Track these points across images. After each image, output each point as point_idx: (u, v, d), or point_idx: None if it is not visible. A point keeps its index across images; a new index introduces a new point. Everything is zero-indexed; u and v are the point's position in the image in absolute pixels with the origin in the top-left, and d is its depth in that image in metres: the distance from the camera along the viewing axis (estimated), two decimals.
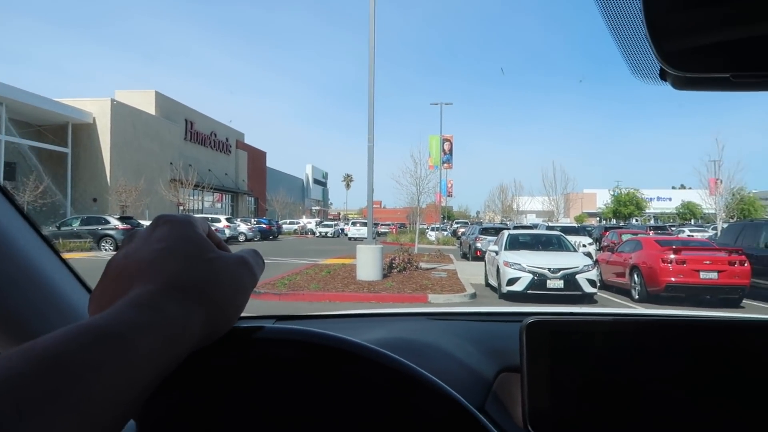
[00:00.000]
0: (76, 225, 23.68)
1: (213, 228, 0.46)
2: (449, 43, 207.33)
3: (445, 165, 44.40)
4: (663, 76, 0.63)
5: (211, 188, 45.89)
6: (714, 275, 11.11)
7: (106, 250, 22.28)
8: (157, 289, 0.41)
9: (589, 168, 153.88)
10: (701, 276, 11.13)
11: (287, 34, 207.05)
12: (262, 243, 35.64)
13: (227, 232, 33.09)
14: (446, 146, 43.92)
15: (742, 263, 11.18)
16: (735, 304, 11.17)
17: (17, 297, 0.84)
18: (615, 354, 0.81)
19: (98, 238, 22.58)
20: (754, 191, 59.37)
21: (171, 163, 41.82)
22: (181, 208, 40.50)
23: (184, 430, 0.46)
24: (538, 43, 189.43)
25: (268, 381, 0.47)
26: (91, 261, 17.93)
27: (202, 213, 42.43)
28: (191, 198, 45.46)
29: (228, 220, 35.93)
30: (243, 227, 37.25)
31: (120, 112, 36.99)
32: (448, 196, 56.21)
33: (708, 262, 11.28)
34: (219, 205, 53.20)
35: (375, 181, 14.58)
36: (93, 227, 23.03)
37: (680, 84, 0.64)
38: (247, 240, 36.40)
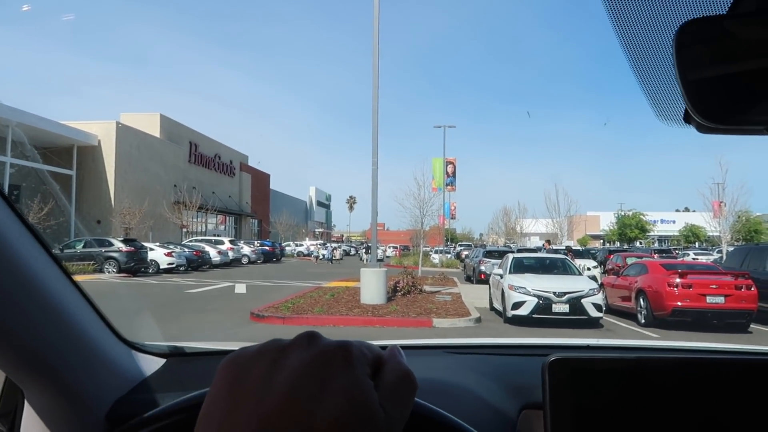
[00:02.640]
0: (79, 247, 23.73)
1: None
2: (453, 64, 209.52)
3: (449, 187, 44.50)
4: (687, 119, 0.64)
5: (215, 210, 46.02)
6: (721, 299, 11.03)
7: (109, 272, 22.28)
8: None
9: (592, 190, 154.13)
10: (708, 300, 11.05)
11: (291, 57, 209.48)
12: (265, 265, 35.63)
13: (230, 254, 33.11)
14: (449, 169, 44.08)
15: (748, 287, 11.10)
16: (742, 329, 11.07)
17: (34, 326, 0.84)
18: (639, 392, 0.79)
19: (102, 261, 22.59)
20: (758, 214, 59.28)
21: (175, 186, 42.02)
22: (184, 230, 40.58)
23: None
24: (543, 68, 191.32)
25: None
26: (95, 284, 17.92)
27: (205, 235, 42.49)
28: (195, 220, 45.56)
29: (231, 242, 35.97)
30: (246, 249, 37.27)
31: (125, 134, 37.29)
32: (452, 218, 56.27)
33: (714, 286, 11.21)
34: (222, 228, 53.28)
35: (378, 203, 14.60)
36: (97, 249, 23.05)
37: (705, 129, 0.65)
38: (250, 262, 36.40)
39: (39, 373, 0.86)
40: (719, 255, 31.74)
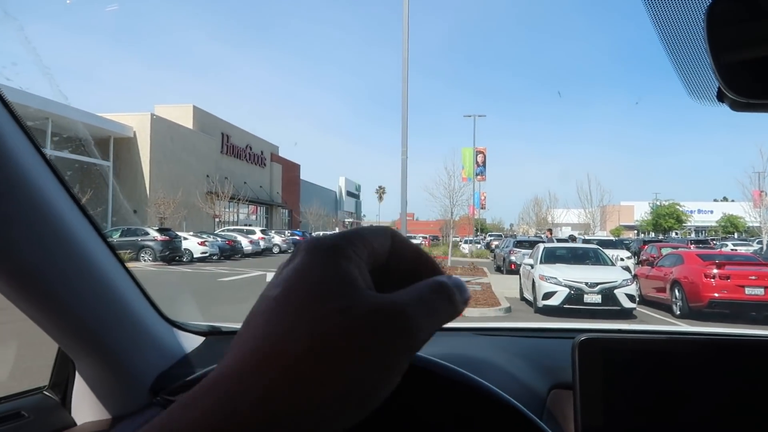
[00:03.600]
0: (116, 236, 24.30)
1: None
2: (483, 54, 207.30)
3: (479, 177, 44.22)
4: (720, 97, 0.64)
5: (247, 200, 46.59)
6: (760, 291, 10.77)
7: (145, 260, 22.81)
8: (230, 371, 0.27)
9: (626, 180, 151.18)
10: (746, 292, 10.80)
11: (321, 48, 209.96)
12: None
13: (262, 243, 33.52)
14: (479, 158, 43.77)
15: None
16: None
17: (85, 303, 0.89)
18: (668, 373, 0.79)
19: (138, 249, 23.12)
20: None
21: (207, 176, 42.64)
22: (217, 220, 41.23)
23: None
24: (578, 55, 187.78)
25: None
26: (133, 272, 18.38)
27: (237, 225, 43.09)
28: (227, 210, 46.22)
29: (263, 232, 36.40)
30: (277, 239, 37.68)
31: (159, 126, 37.98)
32: (482, 208, 55.93)
33: (754, 277, 10.95)
34: (254, 217, 53.92)
35: (408, 193, 14.61)
36: (133, 239, 23.57)
37: (738, 107, 0.65)
38: (281, 251, 36.81)
39: (90, 346, 0.92)
40: (759, 246, 30.89)
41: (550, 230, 24.74)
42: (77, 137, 32.23)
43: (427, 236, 57.61)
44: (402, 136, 14.25)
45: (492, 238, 48.15)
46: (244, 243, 31.19)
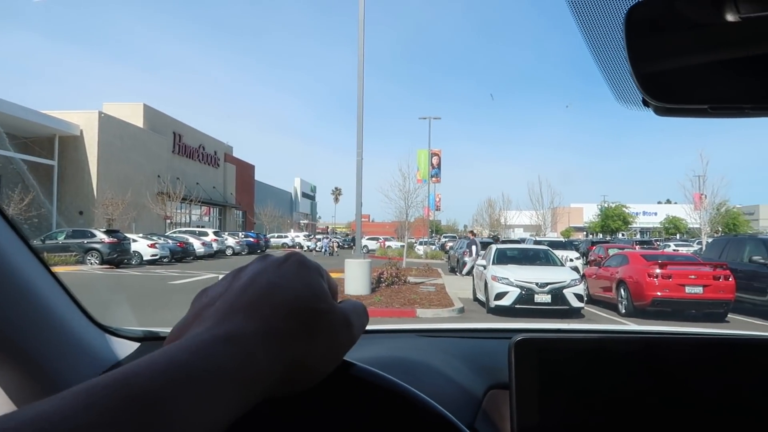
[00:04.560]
0: (61, 238, 23.44)
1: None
2: (439, 58, 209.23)
3: (434, 179, 44.57)
4: (646, 103, 0.65)
5: (199, 201, 45.67)
6: (699, 290, 11.22)
7: (91, 263, 22.07)
8: (252, 331, 0.37)
9: (576, 182, 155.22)
10: (687, 290, 11.24)
11: (277, 48, 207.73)
12: (249, 257, 35.46)
13: (215, 245, 32.93)
14: (434, 160, 44.13)
15: (726, 278, 11.30)
16: (720, 319, 11.27)
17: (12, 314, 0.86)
18: (602, 372, 0.81)
19: (84, 252, 22.36)
20: (738, 206, 60.14)
21: (158, 176, 41.62)
22: (168, 221, 40.27)
23: None
24: (528, 62, 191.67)
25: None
26: (77, 275, 17.75)
27: (189, 226, 42.17)
28: (179, 211, 45.19)
29: (216, 233, 35.78)
30: (231, 241, 37.10)
31: (107, 124, 36.82)
32: (437, 210, 56.35)
33: (693, 276, 11.40)
34: (207, 219, 52.90)
35: (363, 194, 14.61)
36: (79, 240, 22.79)
37: (662, 112, 0.66)
38: (234, 253, 36.24)
39: (7, 355, 0.87)
40: (699, 246, 32.20)
41: (472, 232, 25.59)
42: (21, 135, 30.96)
43: (381, 238, 57.77)
44: (357, 138, 14.25)
45: (446, 239, 48.63)
46: (197, 245, 30.58)
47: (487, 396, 1.00)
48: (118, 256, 22.88)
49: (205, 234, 34.34)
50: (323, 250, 42.85)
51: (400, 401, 0.45)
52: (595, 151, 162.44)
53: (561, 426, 0.80)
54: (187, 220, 47.27)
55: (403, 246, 29.86)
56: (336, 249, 43.35)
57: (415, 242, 43.37)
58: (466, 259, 21.42)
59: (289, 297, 0.40)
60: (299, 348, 0.38)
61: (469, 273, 20.63)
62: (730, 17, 0.56)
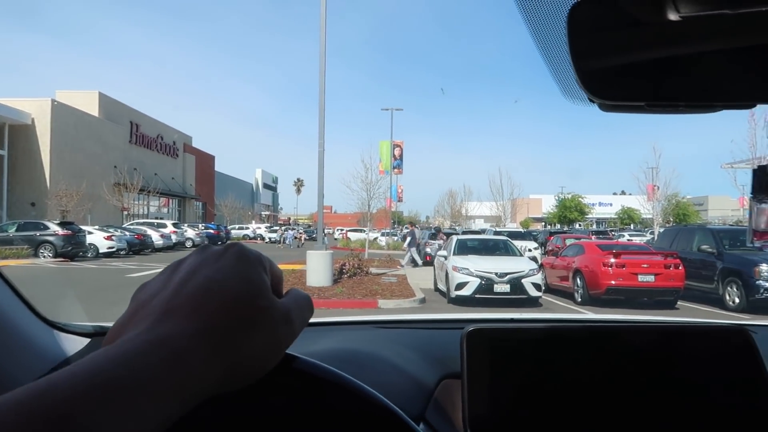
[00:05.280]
0: (12, 231, 22.61)
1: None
2: (402, 50, 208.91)
3: (396, 170, 44.67)
4: (591, 98, 0.67)
5: (158, 193, 44.69)
6: (651, 278, 11.61)
7: (45, 257, 21.40)
8: (189, 332, 0.36)
9: (535, 174, 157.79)
10: (639, 279, 11.60)
11: (238, 37, 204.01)
12: None
13: (174, 237, 32.31)
14: (397, 152, 44.20)
15: (676, 266, 11.71)
16: (670, 306, 11.70)
17: None
18: (551, 360, 0.84)
19: (36, 245, 21.64)
20: (688, 197, 62.21)
21: (115, 167, 40.55)
22: (125, 213, 39.29)
23: None
24: (489, 55, 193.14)
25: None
26: (29, 269, 17.19)
27: (147, 218, 41.24)
28: (136, 203, 44.13)
29: (175, 225, 35.09)
30: (190, 233, 36.44)
31: (61, 113, 35.61)
32: (399, 201, 56.52)
33: (646, 265, 11.76)
34: (166, 210, 51.82)
35: (325, 185, 14.59)
36: (31, 233, 22.04)
37: (606, 108, 0.69)
38: (194, 245, 35.62)
39: None
40: (651, 236, 33.23)
41: (411, 223, 26.46)
42: None
43: (345, 229, 57.65)
44: (319, 129, 14.16)
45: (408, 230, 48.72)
46: (155, 237, 29.94)
47: (439, 386, 1.02)
48: (73, 248, 22.24)
49: (164, 226, 33.66)
50: (288, 241, 42.26)
51: (344, 393, 0.45)
52: (554, 143, 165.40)
53: (511, 413, 0.82)
54: (146, 212, 46.22)
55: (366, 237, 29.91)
56: (303, 241, 42.76)
57: (378, 233, 43.39)
58: (408, 250, 22.37)
59: (228, 294, 0.39)
60: (238, 346, 0.38)
61: (409, 262, 21.18)
62: (670, 16, 0.58)
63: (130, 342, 0.35)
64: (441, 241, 21.09)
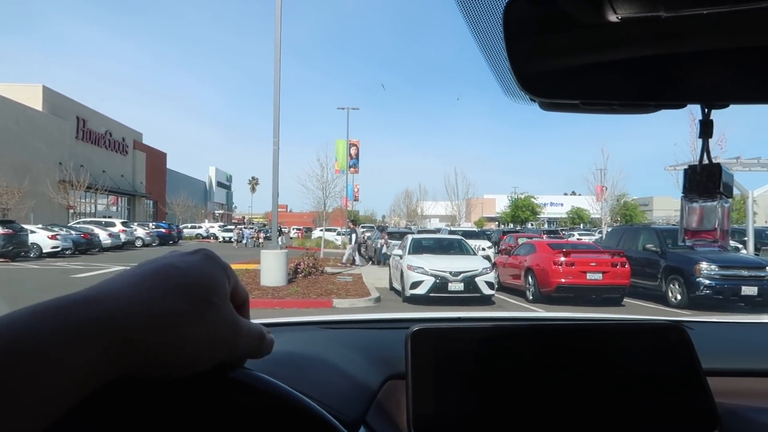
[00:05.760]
0: None
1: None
2: (358, 48, 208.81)
3: (352, 169, 44.51)
4: (532, 97, 0.68)
5: (106, 190, 43.28)
6: (599, 276, 11.96)
7: None
8: (129, 298, 0.38)
9: (489, 174, 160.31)
10: (588, 277, 11.94)
11: (192, 33, 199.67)
12: (161, 248, 34.10)
13: (123, 236, 31.39)
14: (353, 151, 44.08)
15: (623, 265, 12.11)
16: (617, 303, 12.09)
17: None
18: (495, 359, 0.84)
19: None
20: (634, 197, 64.37)
21: (60, 163, 39.09)
22: (71, 211, 37.93)
23: None
24: (444, 55, 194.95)
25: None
26: None
27: (94, 216, 39.90)
28: (83, 201, 42.68)
29: (124, 224, 34.09)
30: (140, 232, 35.50)
31: (1, 106, 34.09)
32: (355, 200, 56.39)
33: (594, 264, 12.12)
34: (114, 209, 50.28)
35: (281, 184, 14.40)
36: None
37: (546, 107, 0.70)
38: (144, 245, 34.71)
39: None
40: (600, 235, 34.23)
41: (353, 221, 27.28)
42: None
43: (301, 228, 57.21)
44: (274, 127, 13.99)
45: (364, 229, 48.81)
46: (103, 236, 29.01)
47: (384, 387, 1.01)
48: (14, 248, 21.34)
49: (112, 224, 32.66)
50: (245, 240, 41.45)
51: (272, 401, 0.44)
52: (507, 143, 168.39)
53: (456, 413, 0.82)
54: (93, 210, 44.77)
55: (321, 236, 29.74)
56: (261, 240, 41.83)
57: (334, 233, 43.23)
58: (348, 248, 23.39)
59: (185, 280, 0.41)
60: (177, 330, 0.38)
61: (348, 260, 21.70)
62: (608, 17, 0.58)
63: (65, 296, 0.38)
64: (382, 240, 22.85)
